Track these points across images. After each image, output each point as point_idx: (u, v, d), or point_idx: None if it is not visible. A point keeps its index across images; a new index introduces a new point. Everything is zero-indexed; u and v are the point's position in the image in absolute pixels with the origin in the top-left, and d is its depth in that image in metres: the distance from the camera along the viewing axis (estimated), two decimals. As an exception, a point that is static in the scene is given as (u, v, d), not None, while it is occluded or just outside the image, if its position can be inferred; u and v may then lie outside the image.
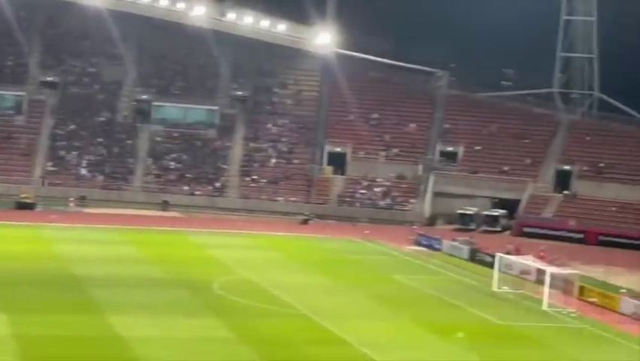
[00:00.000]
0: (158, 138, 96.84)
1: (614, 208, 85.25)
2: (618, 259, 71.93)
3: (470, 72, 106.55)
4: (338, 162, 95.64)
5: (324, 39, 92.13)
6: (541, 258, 59.25)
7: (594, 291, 55.63)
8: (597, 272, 62.20)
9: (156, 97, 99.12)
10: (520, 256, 60.92)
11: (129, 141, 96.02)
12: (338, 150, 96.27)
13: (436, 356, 41.67)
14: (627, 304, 53.15)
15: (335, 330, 44.26)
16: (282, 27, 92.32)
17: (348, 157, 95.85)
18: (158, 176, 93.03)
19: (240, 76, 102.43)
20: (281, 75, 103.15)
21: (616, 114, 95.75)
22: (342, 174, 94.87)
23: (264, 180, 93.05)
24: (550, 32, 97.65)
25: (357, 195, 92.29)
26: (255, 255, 66.84)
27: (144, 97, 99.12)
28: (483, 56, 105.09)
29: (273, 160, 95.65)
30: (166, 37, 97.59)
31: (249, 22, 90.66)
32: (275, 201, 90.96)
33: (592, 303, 54.47)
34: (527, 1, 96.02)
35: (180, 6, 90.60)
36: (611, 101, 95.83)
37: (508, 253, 62.38)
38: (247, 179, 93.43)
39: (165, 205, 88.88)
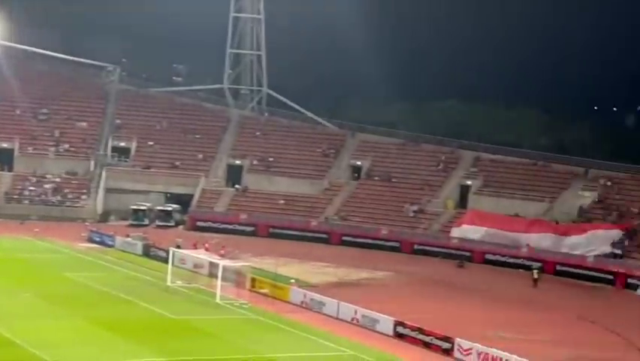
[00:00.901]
0: None
1: (282, 201, 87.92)
2: (287, 250, 74.28)
3: (142, 67, 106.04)
4: (5, 158, 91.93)
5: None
6: (207, 250, 60.33)
7: (265, 282, 57.10)
8: (268, 264, 63.83)
9: None
10: (193, 250, 61.51)
11: None
12: (4, 145, 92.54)
13: (108, 352, 41.08)
14: (296, 294, 55.02)
15: (2, 332, 42.51)
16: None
17: (16, 153, 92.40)
18: None
19: None
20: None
21: (283, 110, 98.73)
22: (9, 171, 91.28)
23: None
24: (220, 29, 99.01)
25: (26, 192, 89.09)
26: None
27: None
28: (154, 51, 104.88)
29: None
30: None
31: None
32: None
33: (263, 294, 55.88)
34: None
35: None
36: (279, 97, 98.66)
37: (178, 247, 62.88)
38: None
39: None
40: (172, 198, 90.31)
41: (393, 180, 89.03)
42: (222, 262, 55.07)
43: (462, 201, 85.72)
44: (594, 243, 73.01)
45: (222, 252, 62.13)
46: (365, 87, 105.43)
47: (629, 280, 68.18)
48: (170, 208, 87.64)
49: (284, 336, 46.94)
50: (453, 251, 77.38)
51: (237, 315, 50.67)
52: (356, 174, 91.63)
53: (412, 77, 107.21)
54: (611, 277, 69.47)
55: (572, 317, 57.24)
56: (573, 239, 74.17)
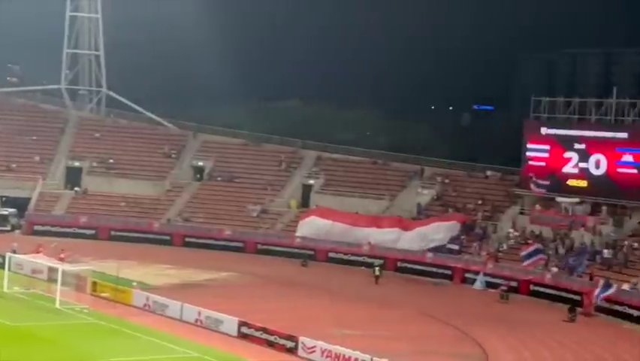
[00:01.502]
0: None
1: (123, 203, 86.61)
2: (130, 252, 73.07)
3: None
4: None
5: None
6: (39, 253, 59.16)
7: (106, 286, 56.21)
8: (110, 267, 62.63)
9: None
10: (31, 255, 60.07)
11: None
12: None
13: None
14: (139, 297, 54.38)
15: None
16: None
17: None
18: None
19: None
20: None
21: (124, 111, 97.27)
22: None
23: None
24: (57, 28, 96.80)
25: None
26: None
27: None
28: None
29: None
30: None
31: None
32: None
33: (105, 298, 55.01)
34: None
35: None
36: (118, 97, 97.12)
37: (14, 251, 61.33)
38: None
39: None
40: (7, 201, 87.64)
41: (236, 180, 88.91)
42: (62, 267, 53.94)
43: (305, 201, 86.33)
44: (434, 235, 74.82)
45: (62, 256, 60.81)
46: (207, 87, 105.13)
47: (467, 275, 70.16)
48: (5, 212, 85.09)
49: (126, 340, 46.30)
50: (296, 250, 77.88)
51: (78, 320, 49.72)
52: (198, 175, 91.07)
53: (254, 77, 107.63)
54: (449, 272, 71.31)
55: (413, 313, 58.53)
56: (415, 232, 75.73)
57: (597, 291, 60.22)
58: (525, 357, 48.89)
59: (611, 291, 59.97)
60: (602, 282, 60.79)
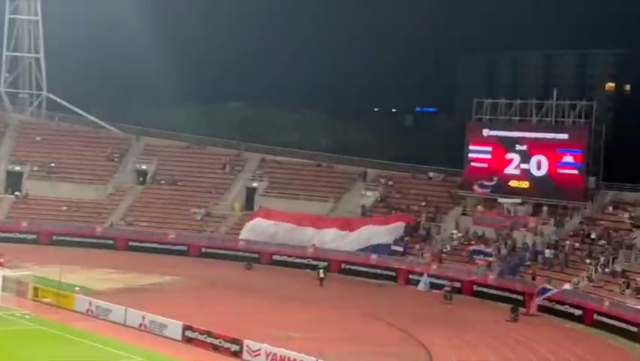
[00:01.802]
0: None
1: (65, 208, 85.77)
2: (72, 257, 72.34)
3: None
4: None
5: None
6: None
7: (49, 291, 55.59)
8: (52, 272, 61.93)
9: None
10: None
11: None
12: None
13: None
14: (82, 302, 53.86)
15: None
16: None
17: None
18: None
19: None
20: None
21: (65, 114, 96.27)
22: None
23: None
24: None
25: None
26: None
27: None
28: None
29: None
30: None
31: None
32: None
33: (47, 303, 54.40)
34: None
35: None
36: (60, 100, 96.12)
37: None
38: None
39: None
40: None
41: (179, 183, 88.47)
42: (2, 272, 53.27)
43: (249, 203, 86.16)
44: (378, 237, 75.11)
45: (2, 261, 60.11)
46: (149, 90, 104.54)
47: (411, 276, 70.51)
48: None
49: (69, 345, 45.85)
50: (241, 253, 77.67)
51: (19, 326, 49.12)
52: (141, 179, 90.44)
53: (196, 79, 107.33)
54: (393, 273, 71.60)
55: (357, 314, 58.66)
56: (358, 234, 75.93)
57: (535, 296, 61.08)
58: (469, 357, 49.26)
59: (550, 293, 60.75)
60: (539, 287, 61.54)
